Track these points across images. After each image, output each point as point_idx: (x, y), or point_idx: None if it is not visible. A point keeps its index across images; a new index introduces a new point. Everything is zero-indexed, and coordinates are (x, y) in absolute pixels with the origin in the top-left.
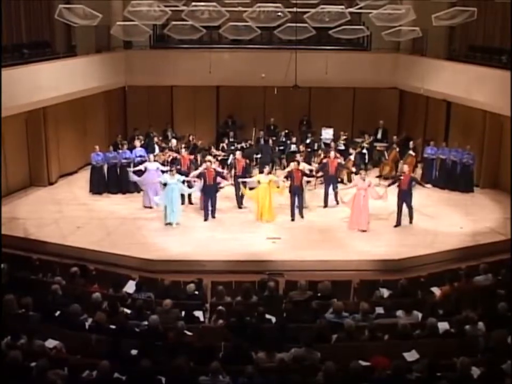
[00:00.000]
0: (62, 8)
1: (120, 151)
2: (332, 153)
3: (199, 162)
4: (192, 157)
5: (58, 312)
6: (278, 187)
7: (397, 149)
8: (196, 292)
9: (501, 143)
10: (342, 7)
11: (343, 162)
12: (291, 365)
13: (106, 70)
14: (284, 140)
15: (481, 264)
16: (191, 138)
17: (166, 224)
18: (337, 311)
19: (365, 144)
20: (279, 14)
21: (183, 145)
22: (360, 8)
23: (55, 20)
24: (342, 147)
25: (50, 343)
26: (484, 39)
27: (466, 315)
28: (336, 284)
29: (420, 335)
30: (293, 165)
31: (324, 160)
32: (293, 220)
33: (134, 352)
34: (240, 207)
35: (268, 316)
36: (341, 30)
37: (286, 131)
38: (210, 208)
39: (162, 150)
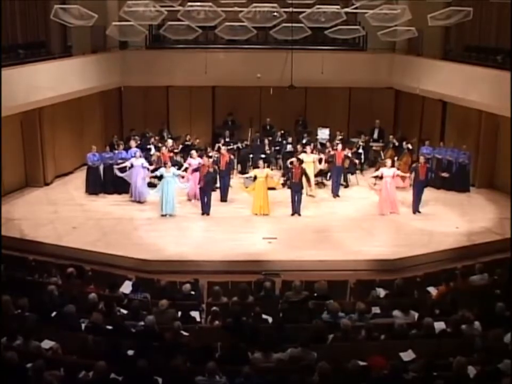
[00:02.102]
0: (57, 9)
1: (117, 151)
2: (340, 146)
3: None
4: (171, 154)
5: (54, 313)
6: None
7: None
8: (192, 292)
9: (496, 143)
10: (338, 7)
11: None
12: (287, 365)
13: (102, 71)
14: (280, 140)
15: (477, 264)
16: (187, 138)
17: (162, 215)
18: (333, 311)
19: (360, 143)
20: (275, 14)
21: (180, 145)
22: (356, 8)
23: (51, 20)
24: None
25: (47, 343)
26: (480, 39)
27: (463, 315)
28: (333, 284)
29: (416, 334)
30: (295, 162)
31: (332, 152)
32: (293, 214)
33: (130, 352)
34: (225, 200)
35: (264, 316)
36: (336, 30)
37: (282, 131)
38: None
39: (158, 150)
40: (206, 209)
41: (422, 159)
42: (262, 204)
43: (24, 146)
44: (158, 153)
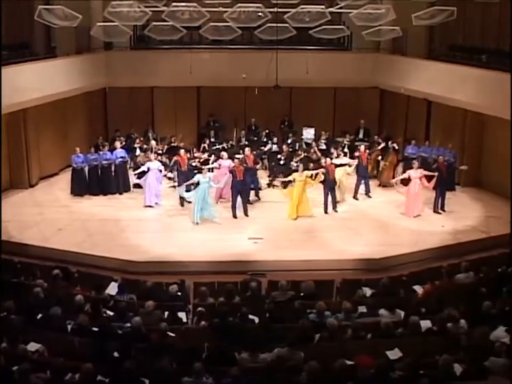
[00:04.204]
0: (41, 9)
1: (101, 152)
2: (362, 147)
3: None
4: (188, 155)
5: (40, 315)
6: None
7: (379, 148)
8: (179, 293)
9: (482, 142)
10: (322, 7)
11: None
12: (274, 365)
13: (86, 71)
14: (265, 140)
15: (462, 262)
16: (173, 139)
17: (195, 223)
18: (320, 310)
19: (345, 142)
20: (260, 14)
21: (165, 146)
22: (341, 8)
23: (35, 21)
24: (323, 146)
25: (33, 346)
26: (464, 39)
27: (448, 313)
28: (319, 284)
29: (402, 333)
30: (328, 160)
31: (356, 154)
32: (326, 212)
33: (117, 354)
34: (251, 202)
35: (250, 316)
36: (321, 29)
37: (267, 131)
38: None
39: (145, 151)
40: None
41: (441, 158)
42: (301, 206)
43: (9, 147)
44: (142, 154)
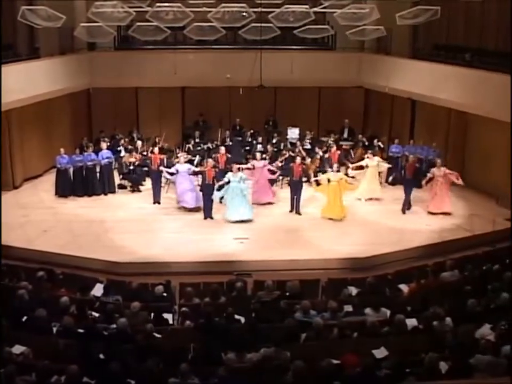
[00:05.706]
0: (24, 10)
1: (86, 153)
2: (334, 148)
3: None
4: (163, 156)
5: (25, 318)
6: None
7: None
8: (164, 294)
9: (465, 140)
10: (307, 6)
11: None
12: (261, 365)
13: (70, 72)
14: (249, 140)
15: (447, 261)
16: (157, 140)
17: (233, 221)
18: (305, 310)
19: (330, 142)
20: (244, 14)
21: (150, 147)
22: (325, 7)
23: (18, 21)
24: (308, 146)
25: (18, 349)
26: (448, 38)
27: (434, 311)
28: (304, 283)
29: (388, 332)
30: (298, 159)
31: (326, 155)
32: (291, 211)
33: (102, 355)
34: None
35: (236, 316)
36: (305, 29)
37: (252, 131)
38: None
39: (130, 152)
40: (209, 214)
41: (411, 157)
42: (336, 208)
43: None
44: (127, 155)
